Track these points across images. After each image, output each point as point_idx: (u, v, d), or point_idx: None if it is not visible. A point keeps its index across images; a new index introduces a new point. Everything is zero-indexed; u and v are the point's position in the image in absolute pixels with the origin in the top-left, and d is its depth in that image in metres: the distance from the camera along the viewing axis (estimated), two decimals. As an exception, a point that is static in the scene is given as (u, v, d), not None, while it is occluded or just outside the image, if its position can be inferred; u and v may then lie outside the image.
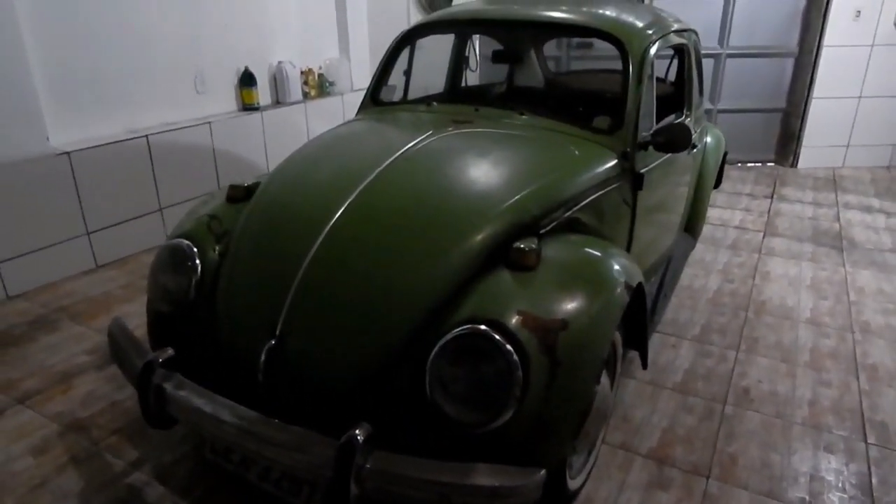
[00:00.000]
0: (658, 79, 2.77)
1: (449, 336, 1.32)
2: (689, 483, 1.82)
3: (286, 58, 4.25)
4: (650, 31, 2.20)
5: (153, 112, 3.48)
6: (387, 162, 1.69)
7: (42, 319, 2.70)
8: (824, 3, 4.85)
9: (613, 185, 1.90)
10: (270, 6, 4.12)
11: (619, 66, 2.11)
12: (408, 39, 2.47)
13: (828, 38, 4.90)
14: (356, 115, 2.45)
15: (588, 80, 3.19)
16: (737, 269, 3.39)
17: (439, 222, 1.52)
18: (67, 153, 2.98)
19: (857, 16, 4.81)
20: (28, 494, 1.73)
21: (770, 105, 5.39)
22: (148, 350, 1.61)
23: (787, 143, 5.47)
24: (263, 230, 1.63)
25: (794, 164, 5.43)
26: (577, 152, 1.91)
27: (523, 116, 2.13)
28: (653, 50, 2.12)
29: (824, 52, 4.95)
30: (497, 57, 2.83)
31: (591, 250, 1.59)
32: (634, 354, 1.99)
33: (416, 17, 5.24)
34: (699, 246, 3.57)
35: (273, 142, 4.16)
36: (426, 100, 2.49)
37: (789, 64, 5.23)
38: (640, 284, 1.60)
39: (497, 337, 1.29)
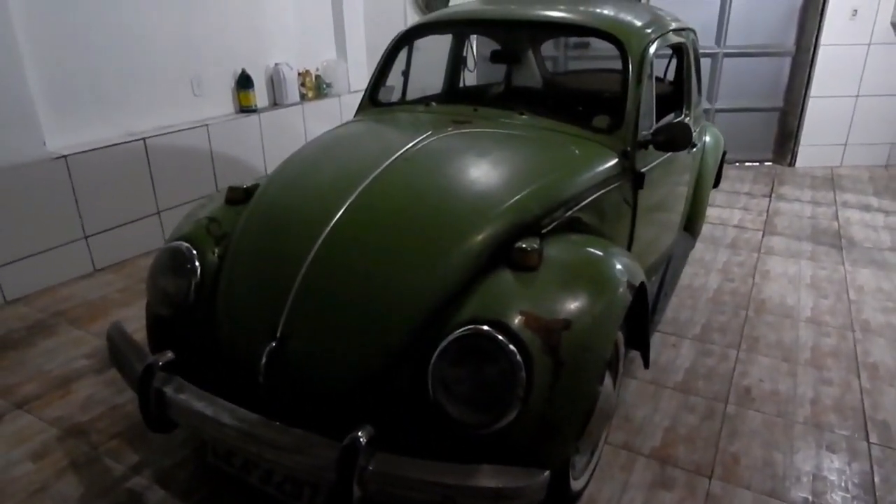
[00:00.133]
0: (657, 78, 2.76)
1: (451, 337, 1.31)
2: (692, 483, 1.82)
3: (283, 59, 4.24)
4: (649, 31, 2.19)
5: (150, 115, 3.47)
6: (386, 163, 1.68)
7: (40, 324, 2.68)
8: (821, 2, 4.86)
9: (614, 185, 1.90)
10: (267, 8, 4.11)
11: (617, 65, 2.11)
12: (406, 40, 2.47)
13: (825, 37, 4.91)
14: (355, 115, 2.45)
15: (586, 79, 3.19)
16: (736, 268, 3.38)
17: (440, 223, 1.51)
18: (64, 157, 2.97)
19: (854, 15, 4.82)
20: (28, 500, 1.72)
21: (767, 104, 5.40)
22: (148, 354, 1.61)
23: (784, 143, 5.48)
24: (263, 232, 1.62)
25: (791, 163, 5.43)
26: (577, 152, 1.91)
27: (523, 116, 2.12)
28: (652, 49, 2.12)
29: (821, 51, 4.96)
30: (496, 57, 2.83)
31: (593, 250, 1.59)
32: (635, 354, 1.98)
33: (412, 17, 5.24)
34: (699, 245, 3.57)
35: (270, 144, 4.15)
36: (425, 100, 2.49)
37: (786, 63, 5.24)
38: (642, 284, 1.60)
39: (500, 337, 1.28)
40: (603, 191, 1.84)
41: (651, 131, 2.03)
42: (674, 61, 2.84)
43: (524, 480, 1.25)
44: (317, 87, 4.57)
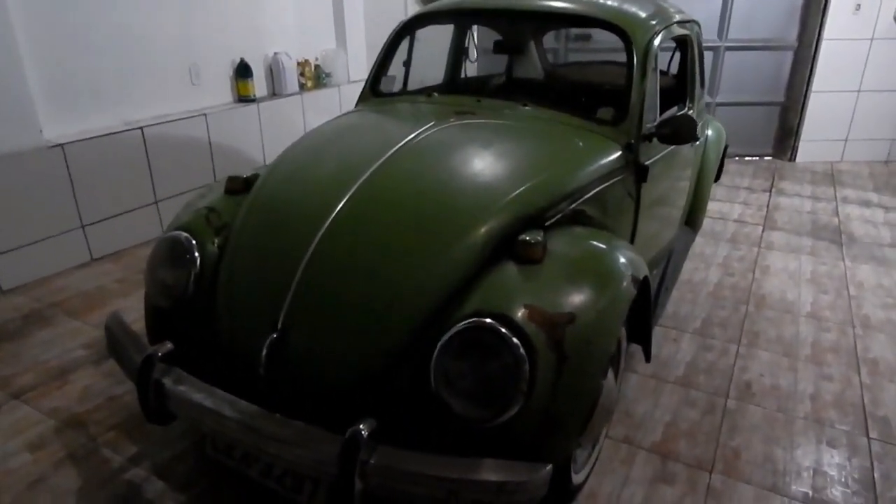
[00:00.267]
0: (660, 71, 2.74)
1: (454, 330, 1.29)
2: (692, 477, 1.82)
3: (282, 49, 4.20)
4: (654, 22, 2.17)
5: (148, 104, 3.43)
6: (388, 153, 1.66)
7: (37, 314, 2.66)
8: (824, -4, 4.84)
9: (618, 178, 1.88)
10: (266, -4, 4.07)
11: (619, 57, 2.09)
12: (408, 29, 2.44)
13: (827, 32, 4.88)
14: (355, 106, 2.42)
15: (589, 71, 3.16)
16: (737, 263, 3.38)
17: (443, 215, 1.49)
18: (61, 146, 2.94)
19: (857, 9, 4.79)
20: (26, 492, 1.71)
21: (768, 99, 5.38)
22: (146, 345, 1.59)
23: (785, 137, 5.47)
24: (264, 222, 1.60)
25: (791, 158, 5.42)
26: (581, 144, 1.89)
27: (526, 108, 2.10)
28: (657, 41, 2.10)
29: (824, 46, 4.93)
30: (499, 48, 2.80)
31: (597, 243, 1.57)
32: (636, 348, 1.98)
33: (413, 7, 5.19)
34: (699, 239, 3.56)
35: (269, 134, 4.12)
36: (426, 91, 2.46)
37: (788, 57, 5.21)
38: (645, 278, 1.59)
39: (503, 331, 1.27)
40: (607, 184, 1.83)
41: (656, 124, 2.01)
42: (677, 54, 2.82)
43: (526, 475, 1.24)
44: (316, 77, 4.53)
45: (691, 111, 2.58)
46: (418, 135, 1.77)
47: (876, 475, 1.84)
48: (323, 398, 1.38)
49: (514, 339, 1.26)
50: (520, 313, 1.30)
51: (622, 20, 2.07)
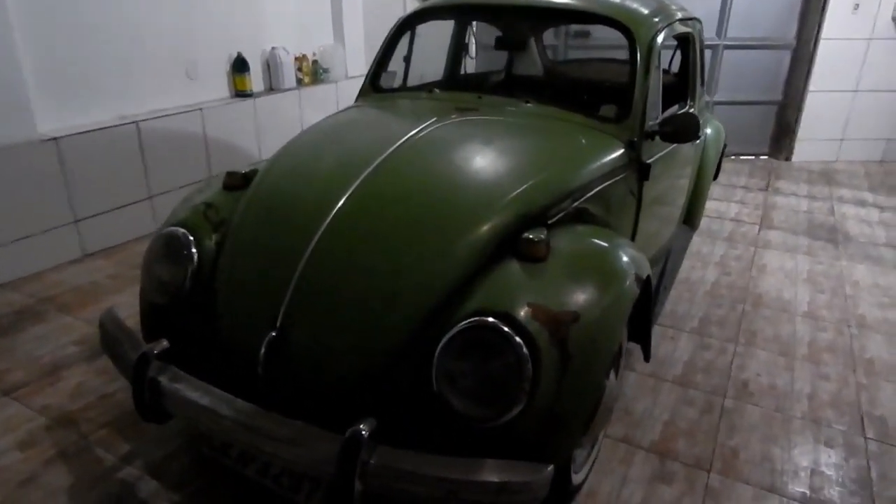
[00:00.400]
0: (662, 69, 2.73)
1: (456, 329, 1.28)
2: (691, 477, 1.81)
3: (280, 44, 4.16)
4: (656, 19, 2.16)
5: (144, 98, 3.40)
6: (390, 150, 1.64)
7: (29, 310, 2.63)
8: (823, -4, 4.84)
9: (620, 176, 1.87)
10: (264, -10, 4.04)
11: (619, 54, 2.08)
12: (408, 24, 2.41)
13: (826, 31, 4.89)
14: (355, 101, 2.40)
15: (590, 68, 3.14)
16: (734, 262, 3.38)
17: (446, 212, 1.47)
18: (55, 139, 2.90)
19: (856, 9, 4.80)
20: (17, 490, 1.68)
21: (766, 97, 5.39)
22: (142, 342, 1.56)
23: (782, 137, 5.48)
24: (263, 219, 1.58)
25: (788, 158, 5.43)
26: (584, 141, 1.88)
27: (528, 104, 2.09)
28: (660, 38, 2.08)
29: (822, 45, 4.94)
30: (500, 44, 2.78)
31: (601, 241, 1.56)
32: (633, 346, 1.97)
33: (411, 2, 5.16)
34: (696, 238, 3.56)
35: (266, 129, 4.09)
36: (427, 87, 2.44)
37: (786, 56, 5.22)
38: (648, 276, 1.58)
39: (507, 330, 1.26)
40: (610, 181, 1.81)
41: (658, 122, 2.00)
42: (677, 52, 2.81)
43: (528, 475, 1.23)
44: (313, 73, 4.50)
45: (692, 109, 2.57)
46: (420, 131, 1.75)
47: (873, 475, 1.84)
48: (322, 397, 1.36)
49: (518, 338, 1.25)
50: (523, 312, 1.28)
51: (626, 17, 2.05)
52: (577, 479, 1.60)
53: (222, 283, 1.53)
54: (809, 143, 5.32)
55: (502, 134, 1.86)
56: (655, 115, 2.06)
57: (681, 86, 2.70)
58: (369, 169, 1.57)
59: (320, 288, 1.39)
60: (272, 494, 1.44)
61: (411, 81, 2.56)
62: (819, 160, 5.40)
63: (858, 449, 1.95)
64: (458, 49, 2.99)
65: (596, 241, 1.56)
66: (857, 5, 4.79)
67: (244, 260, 1.53)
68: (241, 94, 3.94)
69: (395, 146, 1.67)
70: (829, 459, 1.90)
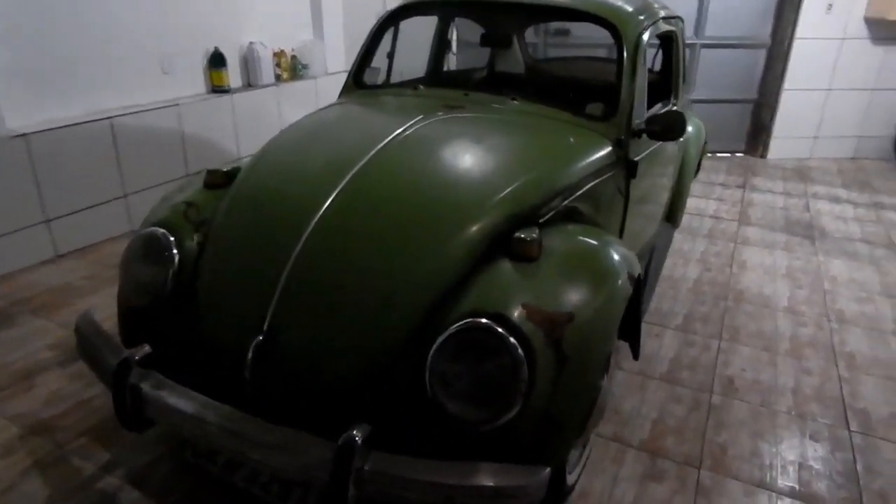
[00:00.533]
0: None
1: (450, 331, 1.25)
2: (682, 474, 1.81)
3: (257, 38, 4.08)
4: (642, 17, 2.16)
5: (117, 93, 3.30)
6: (378, 147, 1.61)
7: (0, 313, 2.53)
8: (798, -5, 4.92)
9: (609, 174, 1.86)
10: (241, -17, 3.95)
11: (599, 53, 2.07)
12: (392, 20, 2.37)
13: (800, 31, 4.97)
14: (339, 98, 2.35)
15: (573, 66, 3.14)
16: (714, 258, 3.41)
17: (438, 210, 1.45)
18: (24, 136, 2.79)
19: (829, 9, 4.88)
20: (-11, 502, 1.61)
21: (742, 96, 5.46)
22: (121, 347, 1.50)
23: (757, 134, 5.56)
24: (248, 218, 1.53)
25: (763, 155, 5.52)
26: (572, 139, 1.86)
27: (514, 102, 2.07)
28: (646, 36, 2.08)
29: (796, 45, 5.02)
30: (485, 41, 2.76)
31: (592, 240, 1.54)
32: (621, 344, 1.96)
33: (391, -1, 5.11)
34: (677, 235, 3.59)
35: (244, 125, 4.00)
36: (412, 83, 2.40)
37: (762, 55, 5.29)
38: (639, 275, 1.57)
39: (501, 331, 1.23)
40: (598, 180, 1.80)
41: (645, 120, 1.99)
42: (660, 50, 2.82)
43: (525, 479, 1.21)
44: (292, 68, 4.42)
45: (675, 107, 2.58)
46: (407, 128, 1.72)
47: (859, 467, 1.87)
48: (312, 402, 1.33)
49: (512, 340, 1.23)
50: (517, 312, 1.26)
51: (612, 14, 2.05)
52: (570, 479, 1.59)
53: (205, 284, 1.48)
54: (784, 141, 5.42)
55: (490, 131, 1.84)
56: (641, 113, 2.06)
57: (663, 84, 2.71)
58: (357, 166, 1.53)
59: (310, 288, 1.35)
60: (260, 502, 1.40)
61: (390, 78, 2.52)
62: (793, 157, 5.50)
63: (844, 442, 1.98)
64: (440, 46, 2.96)
65: (588, 239, 1.55)
66: (831, 5, 4.88)
67: (228, 261, 1.49)
68: (218, 89, 3.85)
69: (382, 143, 1.63)
70: (816, 453, 1.92)
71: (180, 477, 1.70)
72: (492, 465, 1.21)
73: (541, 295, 1.31)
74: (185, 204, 1.65)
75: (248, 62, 4.07)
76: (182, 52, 3.63)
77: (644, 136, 2.01)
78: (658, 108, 2.39)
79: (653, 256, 2.73)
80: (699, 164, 3.37)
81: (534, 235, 1.41)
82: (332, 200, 1.45)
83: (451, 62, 3.33)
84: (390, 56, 2.51)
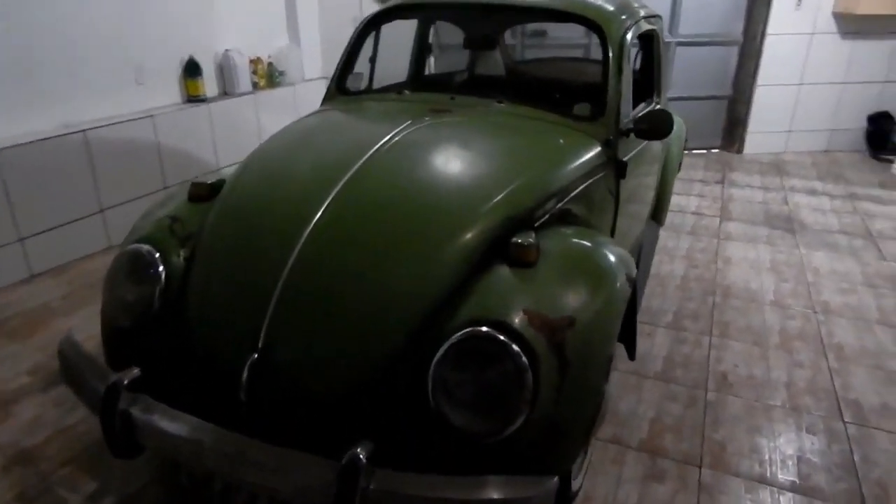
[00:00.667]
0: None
1: (452, 340, 1.22)
2: (682, 474, 1.81)
3: (233, 46, 4.01)
4: (624, 17, 2.16)
5: (90, 105, 3.20)
6: (368, 154, 1.57)
7: (-28, 337, 2.43)
8: (768, -8, 5.01)
9: (600, 174, 1.85)
10: (214, -10, 3.87)
11: (577, 53, 2.06)
12: (374, 24, 2.34)
13: (771, 27, 5.05)
14: (321, 104, 2.31)
15: (555, 67, 3.14)
16: (699, 255, 3.44)
17: (433, 217, 1.42)
18: (-8, 151, 2.69)
19: (799, 5, 4.98)
20: (-30, 539, 1.53)
21: (717, 92, 5.53)
22: (108, 370, 1.44)
23: (733, 130, 5.64)
24: (237, 231, 1.48)
25: (739, 150, 5.60)
26: (562, 141, 1.85)
27: (500, 104, 2.05)
28: (629, 35, 2.08)
29: (768, 41, 5.11)
30: (468, 44, 2.74)
31: (588, 243, 1.53)
32: (616, 345, 1.95)
33: (367, 3, 5.06)
34: (662, 233, 3.61)
35: (222, 135, 3.92)
36: (396, 88, 2.37)
37: (734, 52, 5.37)
38: (635, 275, 1.56)
39: (503, 339, 1.21)
40: (590, 181, 1.79)
41: (633, 119, 1.99)
42: (641, 49, 2.83)
43: (533, 489, 1.19)
44: (269, 76, 4.35)
45: (658, 106, 2.59)
46: (396, 134, 1.69)
47: (856, 458, 1.88)
48: (312, 420, 1.28)
49: (515, 347, 1.20)
50: (518, 319, 1.24)
51: (596, 14, 2.04)
52: (574, 485, 1.57)
53: (195, 302, 1.43)
54: (759, 136, 5.50)
55: (480, 135, 1.82)
56: (628, 113, 2.06)
57: (644, 83, 2.72)
58: (349, 174, 1.49)
59: (305, 302, 1.31)
60: (260, 526, 1.35)
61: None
62: (769, 152, 5.59)
63: (839, 434, 1.99)
64: (421, 50, 2.93)
65: (584, 242, 1.53)
66: (800, 1, 4.97)
67: (218, 276, 1.44)
68: (193, 99, 3.77)
69: (372, 150, 1.60)
70: (813, 446, 1.93)
71: (174, 501, 1.64)
72: (499, 477, 1.18)
73: (541, 300, 1.29)
74: (169, 218, 1.59)
75: (224, 70, 3.99)
76: (155, 62, 3.54)
77: (631, 135, 2.01)
78: (641, 108, 2.40)
79: (641, 256, 2.73)
80: (680, 162, 3.40)
81: (531, 240, 1.39)
82: (325, 210, 1.41)
83: (429, 66, 3.30)
84: (372, 61, 2.47)
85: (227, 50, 3.96)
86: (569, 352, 1.25)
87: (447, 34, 3.11)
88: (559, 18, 2.13)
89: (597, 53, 2.11)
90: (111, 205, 3.26)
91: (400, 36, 2.85)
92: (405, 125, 1.75)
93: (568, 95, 2.26)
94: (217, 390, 1.33)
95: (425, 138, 1.70)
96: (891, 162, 5.12)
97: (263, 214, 1.48)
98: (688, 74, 5.40)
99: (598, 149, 1.89)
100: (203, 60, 3.77)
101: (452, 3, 2.36)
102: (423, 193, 1.48)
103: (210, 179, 1.69)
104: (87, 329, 2.33)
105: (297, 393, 1.29)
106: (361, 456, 1.15)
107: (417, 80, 2.90)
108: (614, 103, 1.94)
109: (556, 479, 1.21)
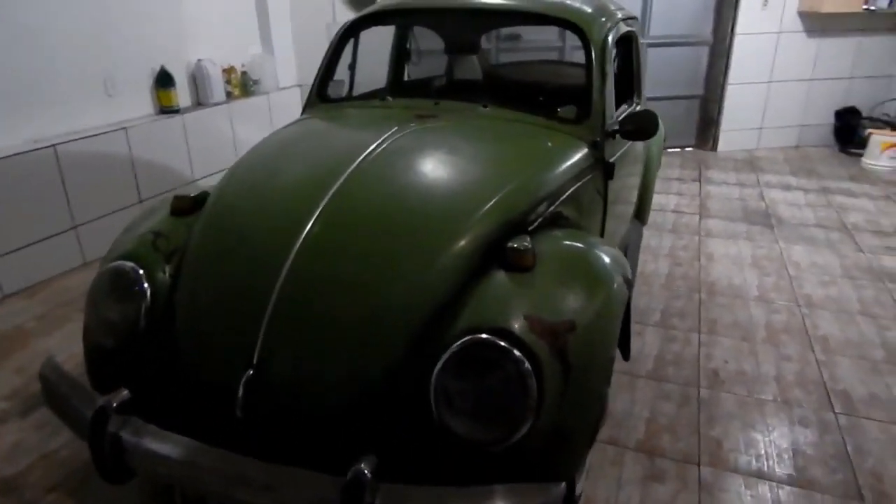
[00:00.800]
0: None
1: (453, 348, 1.20)
2: (682, 473, 1.81)
3: (205, 55, 3.93)
4: (604, 19, 2.17)
5: (59, 119, 3.10)
6: (356, 162, 1.54)
7: (-58, 363, 2.32)
8: (735, -8, 5.11)
9: (588, 176, 1.85)
10: (185, -1, 3.80)
11: (552, 56, 2.06)
12: (353, 31, 2.31)
13: (739, 27, 5.16)
14: (302, 113, 2.27)
15: (533, 70, 3.15)
16: (682, 252, 3.48)
17: (427, 224, 1.39)
18: (-42, 169, 2.59)
19: (765, 4, 5.09)
20: (-51, 578, 1.45)
21: (689, 92, 5.62)
22: (93, 393, 1.38)
23: (706, 128, 5.73)
24: (225, 244, 1.43)
25: (713, 148, 5.69)
26: (549, 143, 1.85)
27: (485, 108, 2.04)
28: (611, 37, 2.09)
29: (737, 40, 5.21)
30: (449, 48, 2.72)
31: (583, 245, 1.52)
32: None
33: (340, 9, 5.03)
34: (644, 232, 3.64)
35: (197, 146, 3.84)
36: (378, 94, 2.34)
37: (705, 52, 5.47)
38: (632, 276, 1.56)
39: (505, 345, 1.19)
40: (579, 183, 1.79)
41: (618, 121, 2.00)
42: (620, 51, 2.85)
43: (541, 496, 1.17)
44: (243, 85, 4.29)
45: (639, 107, 2.61)
46: (383, 141, 1.66)
47: (849, 448, 1.91)
48: (312, 436, 1.25)
49: (517, 353, 1.19)
50: (519, 325, 1.22)
51: (577, 17, 2.05)
52: (577, 489, 1.56)
53: (184, 319, 1.38)
54: (732, 134, 5.60)
55: (468, 140, 1.80)
56: (612, 114, 2.06)
57: (626, 84, 2.74)
58: (338, 183, 1.46)
59: (300, 315, 1.27)
60: (260, 548, 1.30)
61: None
62: (742, 149, 5.70)
63: (831, 425, 2.02)
64: (400, 55, 2.91)
65: (579, 245, 1.52)
66: (766, 1, 5.09)
67: (207, 292, 1.39)
68: (166, 110, 3.68)
69: (360, 158, 1.57)
70: (807, 439, 1.95)
71: (165, 526, 1.59)
72: (506, 486, 1.16)
73: (540, 305, 1.28)
74: (152, 233, 1.54)
75: (197, 80, 3.92)
76: (126, 72, 3.45)
77: (617, 136, 2.01)
78: (624, 109, 2.41)
79: (627, 255, 2.74)
80: (659, 161, 3.43)
81: (526, 244, 1.37)
82: (316, 220, 1.37)
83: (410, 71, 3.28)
84: (352, 67, 2.44)
85: (199, 59, 3.88)
86: (571, 356, 1.24)
87: (423, 39, 3.09)
88: (540, 21, 2.13)
89: (572, 56, 2.12)
90: (85, 220, 3.16)
91: (370, 42, 2.83)
92: (392, 132, 1.72)
93: (551, 98, 2.26)
94: (211, 409, 1.28)
95: (413, 144, 1.68)
96: (859, 156, 5.26)
97: (252, 227, 1.44)
98: (660, 75, 5.46)
99: (586, 151, 1.89)
100: (175, 70, 3.69)
101: (432, 7, 2.34)
102: (416, 201, 1.46)
103: (192, 192, 1.64)
104: (65, 350, 2.25)
105: (296, 408, 1.25)
106: (365, 471, 1.11)
107: (398, 85, 2.88)
108: (600, 105, 1.95)
109: (563, 485, 1.19)
